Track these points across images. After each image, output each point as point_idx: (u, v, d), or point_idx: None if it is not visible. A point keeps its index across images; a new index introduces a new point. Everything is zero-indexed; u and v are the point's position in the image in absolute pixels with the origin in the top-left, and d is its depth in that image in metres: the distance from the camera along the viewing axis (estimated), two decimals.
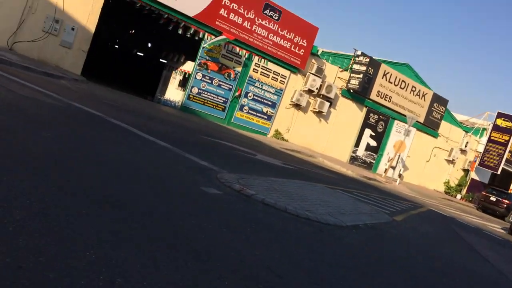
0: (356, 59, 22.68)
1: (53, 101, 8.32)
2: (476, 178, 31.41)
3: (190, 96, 18.53)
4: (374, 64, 23.00)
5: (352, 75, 22.63)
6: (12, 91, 7.74)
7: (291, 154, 16.43)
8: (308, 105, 21.95)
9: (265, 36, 19.36)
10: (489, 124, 30.61)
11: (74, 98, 9.69)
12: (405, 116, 25.66)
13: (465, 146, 29.85)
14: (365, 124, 24.61)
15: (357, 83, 22.30)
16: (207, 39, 17.97)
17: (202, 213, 4.68)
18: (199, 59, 18.30)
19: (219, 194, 5.65)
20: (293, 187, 7.92)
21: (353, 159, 24.71)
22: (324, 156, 21.49)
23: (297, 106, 21.55)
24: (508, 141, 29.21)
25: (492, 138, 29.86)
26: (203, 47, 18.08)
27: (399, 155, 24.60)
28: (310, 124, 22.34)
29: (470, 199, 30.76)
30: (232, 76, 19.29)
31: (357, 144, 24.64)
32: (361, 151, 24.97)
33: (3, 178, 3.58)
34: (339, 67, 22.75)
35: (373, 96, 24.04)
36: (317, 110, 22.04)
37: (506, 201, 25.05)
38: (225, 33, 17.86)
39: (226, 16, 18.03)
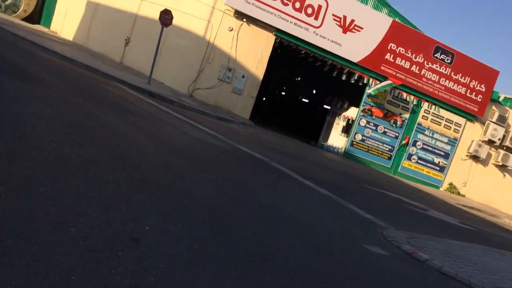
0: None
1: (220, 143, 8.64)
2: None
3: (354, 142, 17.89)
4: None
5: None
6: (186, 133, 8.26)
7: (469, 212, 14.28)
8: (489, 158, 19.20)
9: (436, 81, 17.80)
10: None
11: (240, 141, 9.99)
12: None
13: None
14: None
15: None
16: (372, 84, 17.31)
17: (365, 278, 3.97)
18: (363, 105, 17.69)
19: (385, 255, 4.84)
20: (476, 254, 6.54)
21: None
22: (511, 217, 18.25)
23: (475, 157, 19.02)
24: None
25: None
26: (368, 93, 17.44)
27: None
28: (491, 178, 19.41)
29: None
30: (398, 123, 18.09)
31: None
32: None
33: (158, 220, 3.49)
34: None
35: None
36: (500, 164, 19.10)
37: None
38: (391, 78, 16.96)
39: (392, 60, 17.18)
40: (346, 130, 19.07)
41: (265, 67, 16.53)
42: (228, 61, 16.21)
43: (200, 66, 16.14)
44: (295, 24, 16.02)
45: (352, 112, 18.62)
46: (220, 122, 12.71)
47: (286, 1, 15.80)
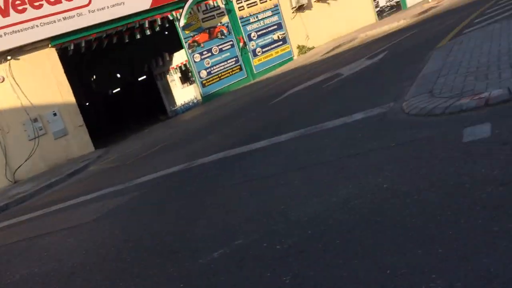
0: None
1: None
2: None
3: (203, 82, 16.02)
4: None
5: None
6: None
7: (338, 53, 13.86)
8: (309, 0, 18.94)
9: None
10: None
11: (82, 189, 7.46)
12: None
13: None
14: None
15: None
16: (178, 16, 15.15)
17: None
18: (185, 41, 15.60)
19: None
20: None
21: (381, 13, 21.66)
22: (359, 30, 18.69)
23: (300, 8, 18.57)
24: None
25: None
26: (181, 27, 15.32)
27: None
28: (323, 14, 19.36)
29: None
30: (225, 31, 16.52)
31: None
32: (381, 0, 21.85)
33: None
34: None
35: None
36: None
37: None
38: None
39: None
40: (185, 78, 16.93)
41: (69, 86, 13.21)
42: (26, 113, 12.50)
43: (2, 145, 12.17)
44: (64, 19, 12.73)
45: (180, 57, 16.42)
46: (79, 177, 9.69)
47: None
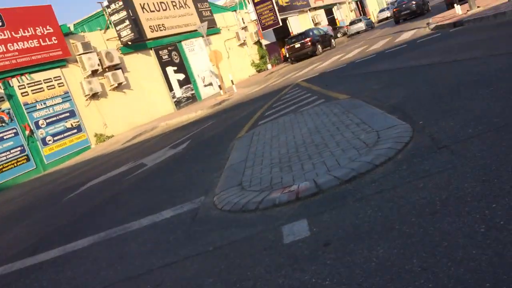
0: (109, 10, 19.30)
1: None
2: (267, 42, 32.52)
3: None
4: (129, 4, 20.00)
5: (118, 28, 19.37)
6: None
7: (139, 142, 13.54)
8: (104, 87, 18.38)
9: (4, 51, 14.60)
10: None
11: None
12: (187, 32, 24.06)
13: (243, 23, 30.05)
14: (163, 64, 22.20)
15: (130, 32, 19.26)
16: None
17: None
18: None
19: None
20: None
21: (178, 103, 22.55)
22: (159, 119, 18.88)
23: (94, 96, 17.83)
24: None
25: (256, 1, 30.54)
26: None
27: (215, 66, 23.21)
28: (120, 103, 19.01)
29: (277, 61, 32.10)
30: (6, 118, 14.47)
31: (170, 87, 22.30)
32: (178, 91, 22.84)
33: None
34: (100, 30, 19.20)
35: (149, 34, 21.41)
36: (116, 85, 18.68)
37: (308, 38, 26.53)
38: None
39: None
40: None
41: None
42: None
43: None
44: None
45: None
46: None
47: None
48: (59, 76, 16.61)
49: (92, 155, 14.98)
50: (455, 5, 15.54)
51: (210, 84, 25.19)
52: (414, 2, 27.43)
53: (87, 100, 17.56)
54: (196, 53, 24.79)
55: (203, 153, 7.59)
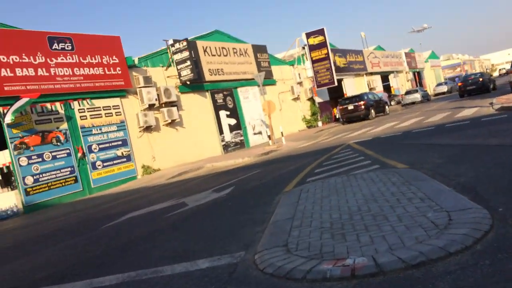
0: (173, 49, 20.09)
1: None
2: (320, 100, 32.62)
3: (28, 189, 13.74)
4: (192, 46, 20.79)
5: (179, 67, 20.04)
6: None
7: (184, 179, 13.46)
8: (158, 121, 18.81)
9: (71, 74, 15.35)
10: (304, 48, 31.66)
11: None
12: (244, 80, 24.56)
13: (299, 78, 30.42)
14: (217, 108, 22.61)
15: (189, 72, 19.84)
16: (4, 112, 13.23)
17: None
18: (11, 141, 13.50)
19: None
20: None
21: (226, 147, 22.69)
22: (206, 160, 18.92)
23: (148, 128, 18.23)
24: (327, 53, 30.69)
25: (314, 58, 31.01)
26: (6, 124, 13.31)
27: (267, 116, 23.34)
28: (171, 138, 19.34)
29: (328, 120, 31.96)
30: (62, 138, 14.95)
31: (220, 131, 22.57)
32: (228, 135, 23.04)
33: None
34: (162, 66, 19.94)
35: (208, 76, 22.03)
36: (169, 121, 19.11)
37: (362, 102, 26.33)
38: (24, 95, 13.38)
39: (12, 75, 13.48)
40: (6, 182, 14.43)
41: None
42: None
43: None
44: None
45: (3, 158, 14.05)
46: None
47: None
48: (118, 105, 17.17)
49: (137, 185, 15.06)
50: None
51: (260, 133, 25.27)
52: (480, 79, 27.64)
53: (140, 131, 17.96)
54: (250, 101, 25.13)
55: (247, 202, 7.29)
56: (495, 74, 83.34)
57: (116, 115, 17.07)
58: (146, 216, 8.03)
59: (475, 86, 27.84)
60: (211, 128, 21.88)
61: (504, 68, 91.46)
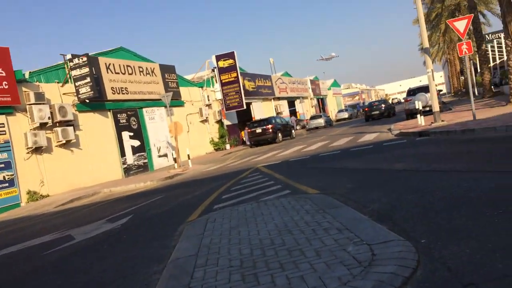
0: (71, 64, 18.45)
1: None
2: (229, 123, 32.40)
3: None
4: (93, 62, 19.32)
5: (77, 83, 18.41)
6: None
7: (75, 207, 12.02)
8: (50, 142, 16.95)
9: None
10: (213, 70, 31.37)
11: None
12: (150, 100, 23.47)
13: (208, 100, 29.95)
14: (119, 128, 21.13)
15: (89, 90, 18.30)
16: None
17: None
18: None
19: None
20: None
21: (128, 170, 21.20)
22: (103, 184, 17.37)
23: (37, 150, 16.30)
24: (237, 77, 30.70)
25: (223, 81, 30.80)
26: None
27: (173, 138, 22.34)
28: (65, 161, 17.50)
29: (236, 143, 31.76)
30: None
31: (122, 153, 21.07)
32: (130, 158, 21.59)
33: None
34: (58, 82, 18.17)
35: (110, 95, 20.58)
36: (64, 141, 17.33)
37: (270, 125, 26.52)
38: None
39: None
40: None
41: None
42: None
43: None
44: None
45: None
46: None
47: None
48: (3, 124, 15.16)
49: (19, 214, 13.19)
50: (418, 116, 15.88)
51: (165, 155, 24.17)
52: (383, 105, 32.48)
53: (28, 153, 15.99)
54: (155, 122, 24.00)
55: (145, 235, 6.42)
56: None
57: (0, 134, 15.01)
58: (21, 253, 6.74)
59: (378, 112, 32.15)
60: (112, 150, 20.33)
61: (397, 98, 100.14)
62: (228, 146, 30.37)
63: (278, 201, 6.50)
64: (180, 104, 26.66)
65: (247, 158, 18.53)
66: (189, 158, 19.70)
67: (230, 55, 30.67)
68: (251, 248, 4.17)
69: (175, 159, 19.76)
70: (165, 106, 19.78)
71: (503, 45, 24.87)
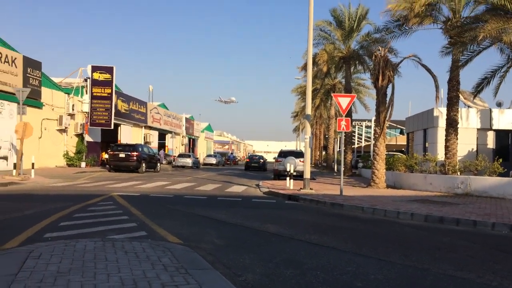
0: None
1: None
2: (90, 139, 29.53)
3: None
4: None
5: None
6: None
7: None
8: None
9: None
10: (86, 80, 28.68)
11: None
12: (2, 92, 20.12)
13: (73, 110, 26.99)
14: None
15: None
16: None
17: None
18: None
19: None
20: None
21: None
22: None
23: None
24: (111, 93, 28.45)
25: (94, 94, 28.23)
26: None
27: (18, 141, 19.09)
28: None
29: (93, 163, 28.85)
30: None
31: None
32: None
33: None
34: None
35: None
36: None
37: (135, 152, 24.68)
38: None
39: None
40: None
41: None
42: None
43: None
44: None
45: None
46: None
47: None
48: None
49: None
50: (288, 178, 15.95)
51: (5, 158, 20.59)
52: (261, 160, 39.80)
53: None
54: (3, 117, 20.52)
55: None
56: None
57: None
58: None
59: (257, 164, 38.38)
60: None
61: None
62: (83, 164, 27.33)
63: (130, 244, 5.25)
64: (38, 105, 23.41)
65: (103, 182, 16.52)
66: (33, 168, 16.87)
67: (109, 70, 28.44)
68: None
69: (14, 164, 16.74)
70: (18, 103, 16.94)
71: (372, 132, 27.27)
